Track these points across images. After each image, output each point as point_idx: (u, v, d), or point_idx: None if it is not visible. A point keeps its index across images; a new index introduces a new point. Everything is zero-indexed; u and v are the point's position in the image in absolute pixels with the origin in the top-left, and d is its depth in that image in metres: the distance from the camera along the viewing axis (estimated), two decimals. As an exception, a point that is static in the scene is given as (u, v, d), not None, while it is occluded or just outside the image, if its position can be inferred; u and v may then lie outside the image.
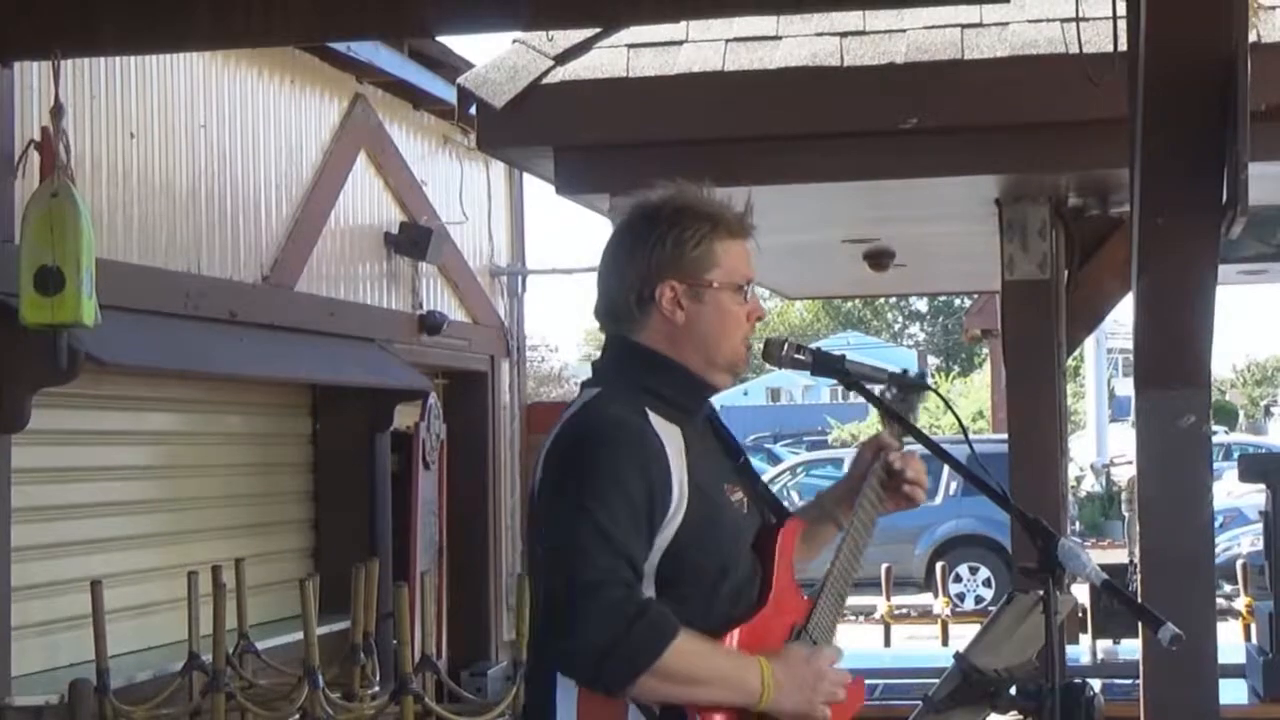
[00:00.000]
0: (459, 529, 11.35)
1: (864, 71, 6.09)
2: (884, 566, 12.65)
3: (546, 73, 6.30)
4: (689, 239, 2.97)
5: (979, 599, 18.00)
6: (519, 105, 6.27)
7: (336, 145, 9.89)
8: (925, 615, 13.45)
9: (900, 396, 3.16)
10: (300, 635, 7.69)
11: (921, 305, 58.16)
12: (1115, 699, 5.81)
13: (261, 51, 8.82)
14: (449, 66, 10.38)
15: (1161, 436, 4.62)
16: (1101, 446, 20.78)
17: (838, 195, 6.91)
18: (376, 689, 8.45)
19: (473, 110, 6.44)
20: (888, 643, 12.37)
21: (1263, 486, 6.79)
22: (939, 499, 17.93)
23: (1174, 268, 4.55)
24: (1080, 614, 8.13)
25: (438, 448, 10.82)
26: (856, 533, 3.06)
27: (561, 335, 65.77)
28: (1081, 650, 7.99)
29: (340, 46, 9.25)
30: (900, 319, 61.31)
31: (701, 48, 6.27)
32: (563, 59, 6.32)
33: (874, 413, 3.31)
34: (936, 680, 3.01)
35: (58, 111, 5.95)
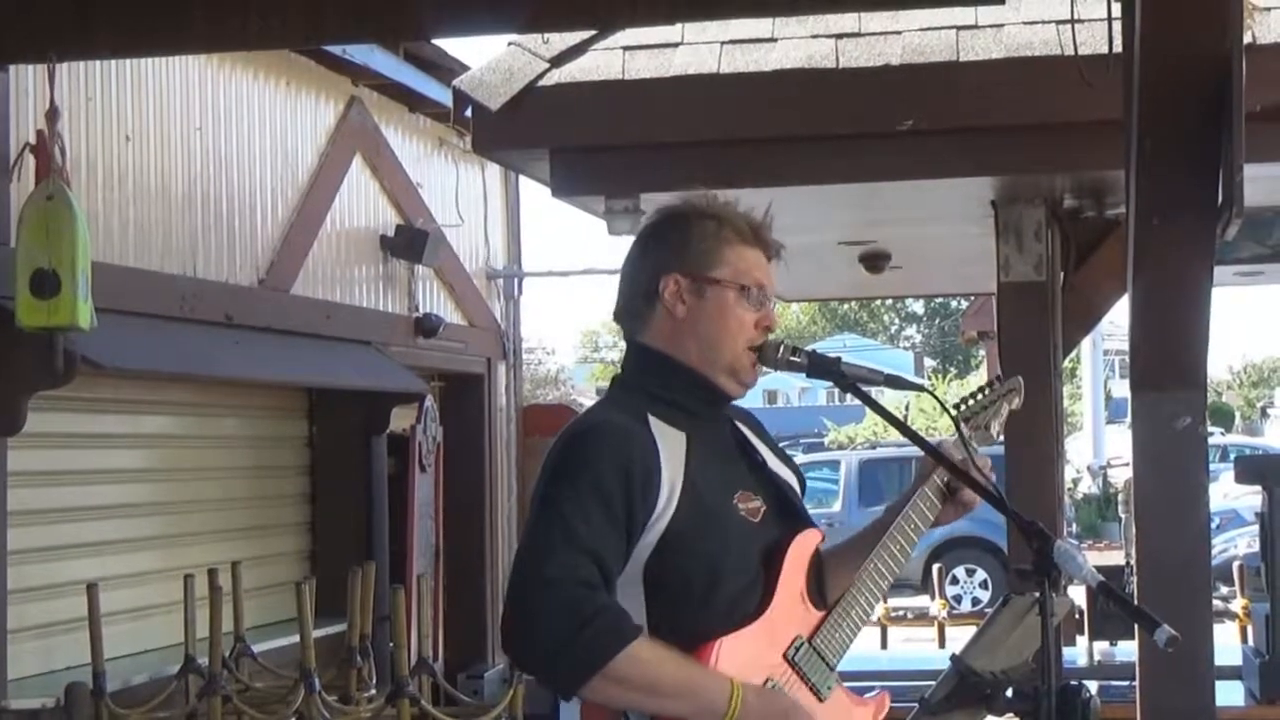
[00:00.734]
0: (455, 531, 11.35)
1: (859, 74, 6.08)
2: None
3: (542, 75, 6.29)
4: (696, 234, 3.00)
5: (976, 601, 18.02)
6: (514, 108, 6.27)
7: (332, 148, 9.89)
8: (922, 618, 13.46)
9: (982, 404, 3.17)
10: (297, 638, 7.69)
11: (918, 307, 58.22)
12: (1112, 701, 5.83)
13: (257, 54, 8.83)
14: (444, 69, 10.39)
15: (1157, 438, 4.62)
16: (1098, 448, 20.80)
17: (833, 197, 6.90)
18: (373, 692, 8.44)
19: (468, 113, 6.43)
20: (884, 645, 12.39)
21: (1259, 488, 6.81)
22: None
23: (1169, 269, 4.55)
24: (1077, 616, 8.13)
25: (434, 450, 10.83)
26: (898, 541, 3.02)
27: (558, 338, 65.93)
28: (1079, 652, 8.00)
29: (336, 49, 9.25)
30: (897, 321, 61.36)
31: (697, 50, 6.27)
32: (558, 61, 6.31)
33: (871, 415, 3.31)
34: (933, 683, 3.01)
35: (53, 114, 5.95)
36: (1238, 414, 45.89)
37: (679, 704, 2.73)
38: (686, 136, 6.25)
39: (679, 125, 6.23)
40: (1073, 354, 9.46)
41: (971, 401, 3.21)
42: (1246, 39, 4.97)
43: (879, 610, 12.51)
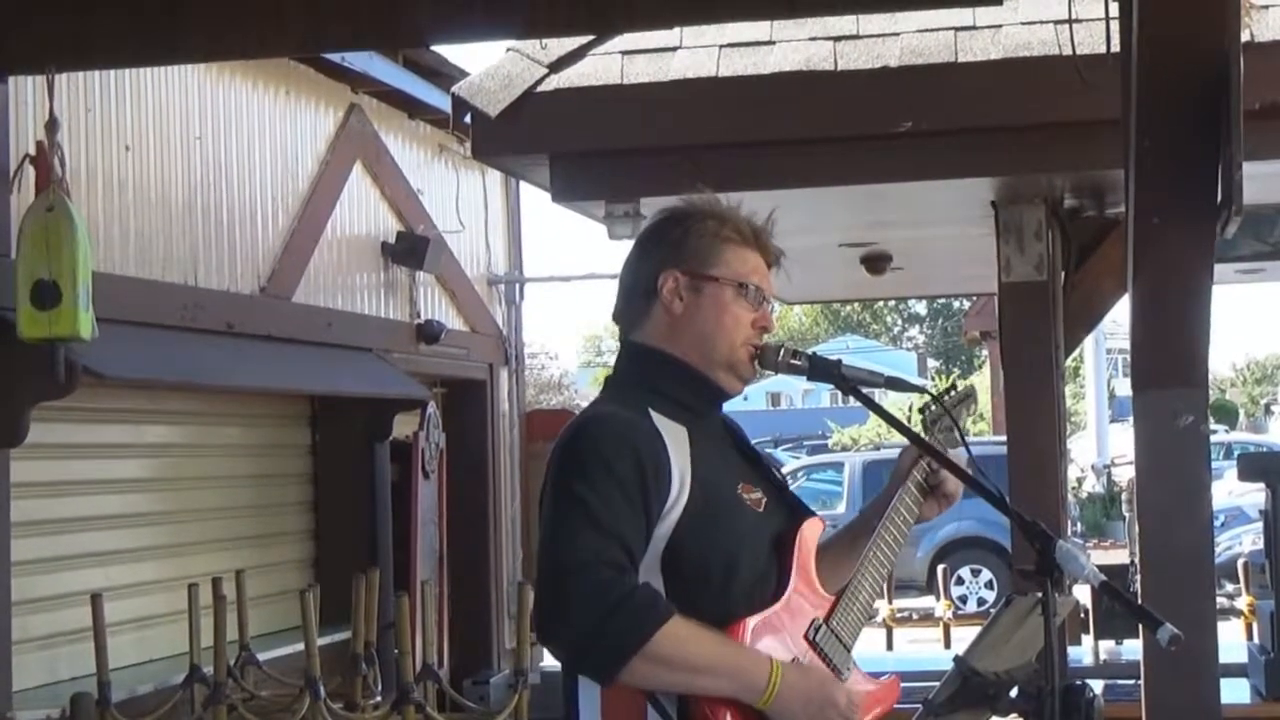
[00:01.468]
0: (459, 538, 11.34)
1: (858, 76, 6.09)
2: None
3: (541, 80, 6.30)
4: (695, 232, 3.02)
5: (981, 601, 18.00)
6: (514, 113, 6.27)
7: (332, 155, 9.90)
8: (927, 618, 13.47)
9: (946, 407, 3.19)
10: (301, 646, 7.69)
11: (920, 308, 58.23)
12: (1117, 699, 5.83)
13: (256, 63, 8.83)
14: (444, 75, 10.40)
15: (1160, 436, 4.62)
16: (1102, 447, 20.76)
17: (833, 200, 6.91)
18: (378, 699, 8.45)
19: (468, 119, 6.44)
20: (890, 646, 12.41)
21: (1263, 485, 6.81)
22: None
23: (1170, 268, 4.55)
24: (1082, 615, 8.14)
25: (437, 457, 10.82)
26: (890, 534, 3.05)
27: (561, 342, 66.00)
28: (1084, 651, 8.01)
29: (335, 57, 9.26)
30: (899, 322, 61.38)
31: (695, 54, 6.27)
32: (557, 67, 6.32)
33: (874, 417, 3.31)
34: (938, 684, 3.01)
35: (53, 125, 5.94)
36: (1241, 411, 45.86)
37: (719, 681, 2.73)
38: (686, 140, 6.26)
39: (678, 129, 6.24)
40: (1076, 353, 9.45)
41: (934, 407, 3.22)
42: (1244, 37, 4.98)
43: (885, 610, 12.52)
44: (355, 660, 8.32)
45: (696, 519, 2.83)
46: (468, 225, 11.76)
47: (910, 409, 3.20)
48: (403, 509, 10.37)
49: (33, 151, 6.22)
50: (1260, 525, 7.28)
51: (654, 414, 2.90)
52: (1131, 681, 6.01)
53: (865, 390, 3.14)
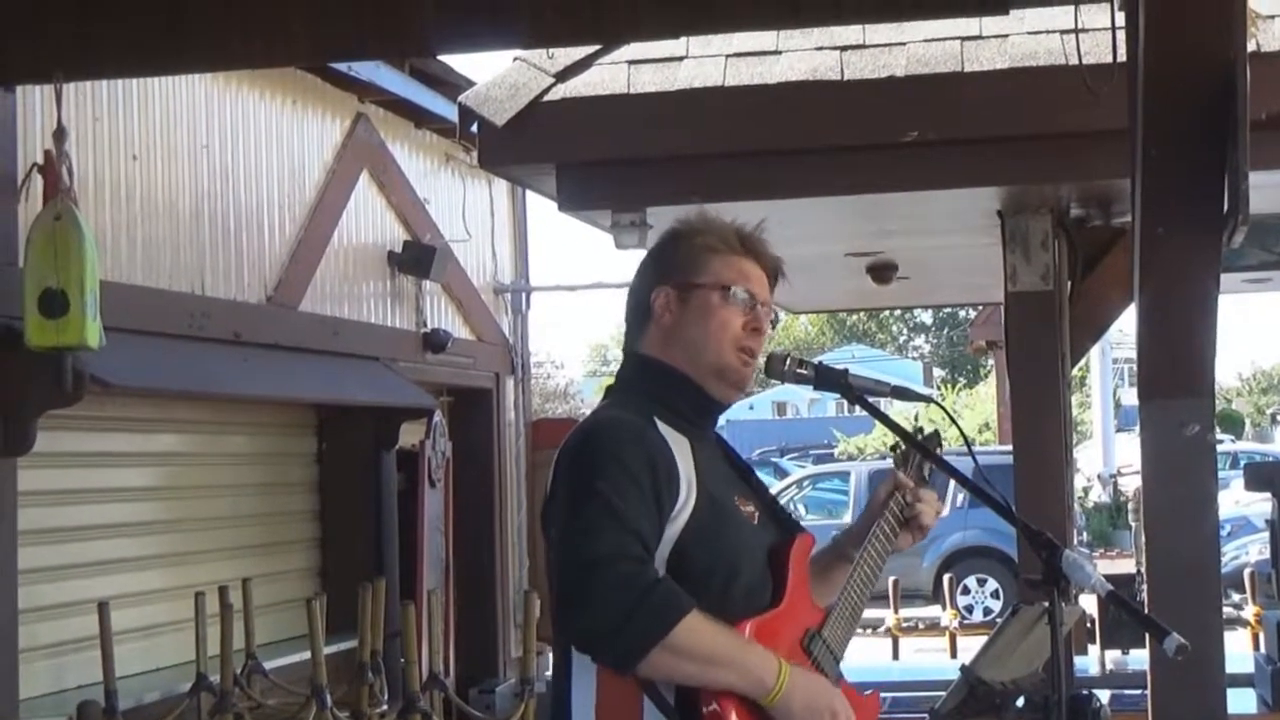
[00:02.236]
0: (465, 546, 11.35)
1: (864, 85, 6.09)
2: (892, 579, 12.65)
3: (547, 90, 6.30)
4: (683, 247, 3.07)
5: (987, 611, 17.98)
6: (520, 123, 6.28)
7: (339, 165, 9.91)
8: (933, 628, 13.49)
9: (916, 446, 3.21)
10: (308, 655, 7.69)
11: (926, 317, 58.16)
12: (1124, 709, 5.83)
13: (263, 72, 8.84)
14: (450, 85, 10.41)
15: (1166, 446, 4.61)
16: (1108, 456, 20.77)
17: (839, 209, 6.91)
18: (384, 708, 8.45)
19: (474, 128, 6.45)
20: (896, 655, 12.40)
21: (1269, 495, 6.81)
22: (946, 511, 17.91)
23: (1176, 277, 4.54)
24: (1089, 625, 8.13)
25: (443, 465, 10.83)
26: (869, 562, 3.08)
27: (567, 351, 65.82)
28: (1090, 660, 8.00)
29: (341, 66, 9.27)
30: (905, 331, 61.28)
31: (702, 63, 6.28)
32: (563, 76, 6.32)
33: (879, 426, 3.33)
34: (944, 693, 3.01)
35: (60, 134, 5.95)
36: (1247, 421, 45.77)
37: (731, 675, 2.76)
38: (692, 150, 6.26)
39: (685, 138, 6.24)
40: (1082, 362, 9.46)
41: (904, 447, 3.26)
42: (1250, 47, 4.97)
43: (891, 619, 12.51)
44: (361, 669, 8.32)
45: (702, 525, 2.87)
46: (474, 234, 11.77)
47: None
48: (409, 518, 10.37)
49: (40, 161, 6.23)
50: (1267, 535, 7.27)
51: (659, 422, 2.94)
52: (1138, 691, 6.00)
53: (871, 399, 3.16)
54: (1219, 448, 5.00)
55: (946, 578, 13.49)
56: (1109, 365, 22.67)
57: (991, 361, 27.83)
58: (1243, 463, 18.49)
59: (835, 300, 12.72)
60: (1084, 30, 5.49)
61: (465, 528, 11.37)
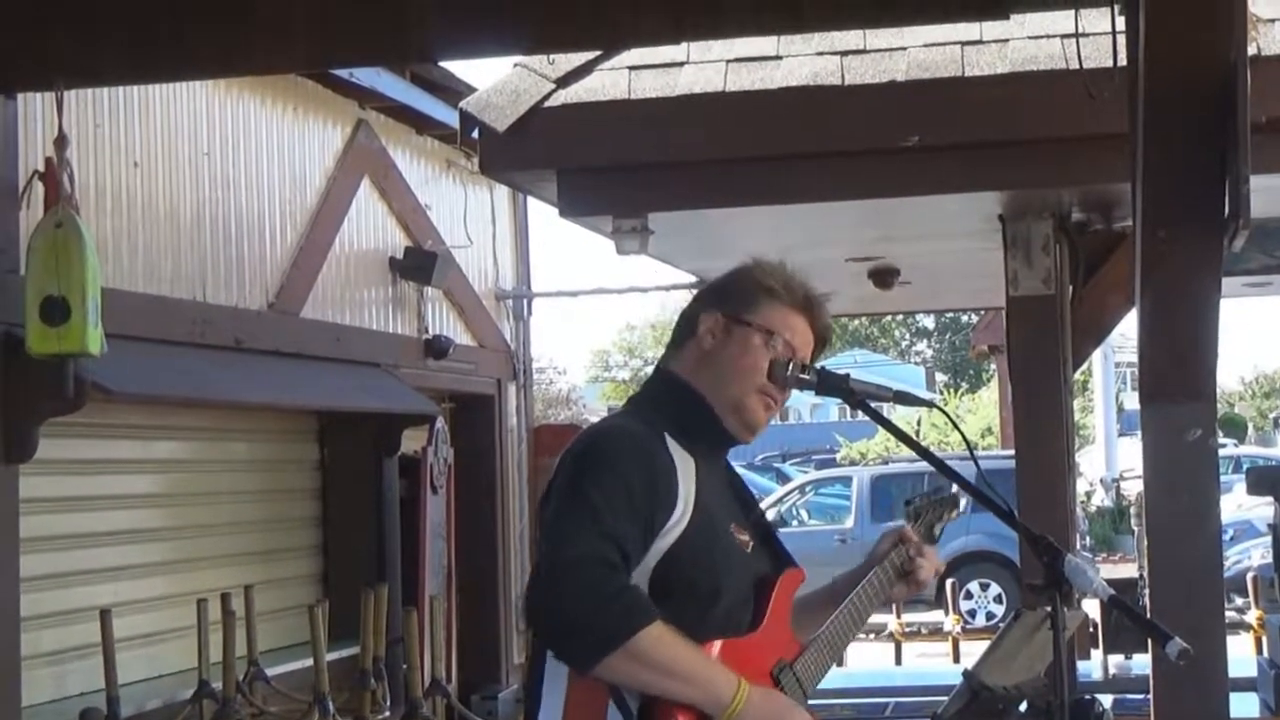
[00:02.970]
0: (468, 553, 11.34)
1: (865, 90, 6.09)
2: (894, 584, 12.61)
3: (548, 96, 6.30)
4: (748, 284, 3.15)
5: (990, 615, 17.97)
6: (521, 128, 6.28)
7: (340, 171, 9.91)
8: (936, 632, 13.46)
9: (931, 504, 3.29)
10: (310, 661, 7.70)
11: (929, 322, 58.13)
12: (1127, 713, 5.82)
13: (264, 79, 8.85)
14: (451, 91, 10.41)
15: (1168, 450, 4.61)
16: (1111, 461, 20.74)
17: (841, 214, 6.91)
18: (387, 714, 8.45)
19: (475, 134, 6.45)
20: (899, 660, 12.39)
21: (1271, 499, 6.81)
22: (947, 514, 17.85)
23: (1177, 281, 4.54)
24: (1091, 629, 8.12)
25: (445, 472, 10.83)
26: (860, 602, 3.14)
27: (569, 357, 65.85)
28: (1093, 665, 7.99)
29: (342, 73, 9.27)
30: (907, 336, 61.27)
31: (703, 69, 6.28)
32: (564, 82, 6.32)
33: (882, 431, 3.34)
34: (947, 698, 3.01)
35: (61, 142, 5.95)
36: (1250, 425, 45.75)
37: (688, 688, 2.79)
38: (693, 155, 6.26)
39: (685, 144, 6.24)
40: (1084, 367, 9.45)
41: (919, 500, 3.31)
42: (1251, 50, 4.97)
43: (893, 624, 12.50)
44: (364, 675, 8.33)
45: (692, 543, 2.91)
46: (476, 240, 11.77)
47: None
48: (411, 524, 10.38)
49: (42, 168, 6.23)
50: (1269, 539, 7.27)
51: (669, 439, 2.99)
52: (1140, 696, 6.00)
53: (873, 404, 3.17)
54: (1221, 452, 5.01)
55: (949, 582, 13.45)
56: (1111, 369, 22.64)
57: (994, 366, 27.80)
58: (1245, 467, 18.49)
59: (837, 305, 12.63)
60: (1084, 35, 5.48)
61: (467, 534, 11.37)
